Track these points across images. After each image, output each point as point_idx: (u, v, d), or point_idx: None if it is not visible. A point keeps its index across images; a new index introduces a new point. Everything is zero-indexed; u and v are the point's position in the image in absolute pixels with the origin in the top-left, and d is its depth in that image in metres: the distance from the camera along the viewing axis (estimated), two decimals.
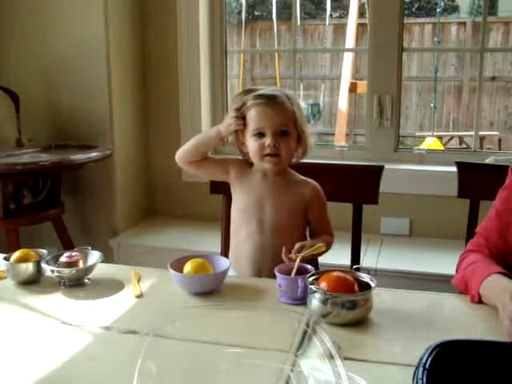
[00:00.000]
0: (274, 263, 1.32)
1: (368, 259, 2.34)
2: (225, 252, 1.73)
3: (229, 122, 1.48)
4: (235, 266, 1.54)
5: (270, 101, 1.46)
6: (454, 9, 8.32)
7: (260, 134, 1.46)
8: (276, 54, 6.63)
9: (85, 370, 0.98)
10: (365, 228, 1.76)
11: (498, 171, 1.44)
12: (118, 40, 2.70)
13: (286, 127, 1.46)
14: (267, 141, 1.44)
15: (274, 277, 1.27)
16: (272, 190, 1.52)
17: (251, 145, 1.48)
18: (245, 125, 1.47)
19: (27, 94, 2.65)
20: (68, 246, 2.49)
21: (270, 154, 1.46)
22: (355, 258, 1.75)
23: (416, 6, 8.15)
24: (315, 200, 1.54)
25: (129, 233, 2.82)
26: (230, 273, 1.50)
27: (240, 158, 1.57)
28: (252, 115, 1.46)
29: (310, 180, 1.56)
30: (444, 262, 1.82)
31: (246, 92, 1.51)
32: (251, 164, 1.55)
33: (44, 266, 1.35)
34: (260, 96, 1.47)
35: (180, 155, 1.56)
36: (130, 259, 2.57)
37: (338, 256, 1.84)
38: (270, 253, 1.48)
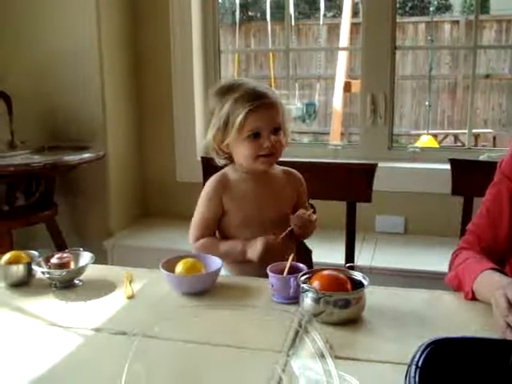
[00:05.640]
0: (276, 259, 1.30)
1: (363, 257, 2.34)
2: None
3: (261, 250, 1.40)
4: (233, 271, 1.51)
5: (265, 100, 1.39)
6: (447, 7, 8.32)
7: (255, 135, 1.40)
8: (270, 54, 6.62)
9: (74, 372, 0.97)
10: (360, 226, 1.76)
11: (492, 168, 1.44)
12: (110, 41, 2.69)
13: (280, 124, 1.42)
14: (265, 142, 1.39)
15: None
16: (266, 193, 1.48)
17: (245, 147, 1.41)
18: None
19: (20, 95, 2.63)
20: (61, 247, 2.48)
21: (265, 155, 1.41)
22: (350, 256, 1.74)
23: (409, 5, 8.15)
24: (302, 188, 1.55)
25: (123, 234, 2.81)
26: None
27: (217, 177, 1.49)
28: (247, 117, 1.38)
29: (292, 170, 1.55)
30: (439, 260, 1.81)
31: (226, 91, 1.42)
32: (224, 166, 1.50)
33: (35, 267, 1.34)
34: (252, 96, 1.39)
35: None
36: (124, 260, 2.55)
37: (332, 255, 1.84)
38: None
